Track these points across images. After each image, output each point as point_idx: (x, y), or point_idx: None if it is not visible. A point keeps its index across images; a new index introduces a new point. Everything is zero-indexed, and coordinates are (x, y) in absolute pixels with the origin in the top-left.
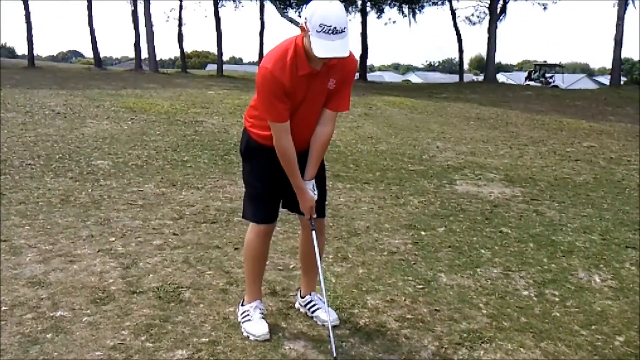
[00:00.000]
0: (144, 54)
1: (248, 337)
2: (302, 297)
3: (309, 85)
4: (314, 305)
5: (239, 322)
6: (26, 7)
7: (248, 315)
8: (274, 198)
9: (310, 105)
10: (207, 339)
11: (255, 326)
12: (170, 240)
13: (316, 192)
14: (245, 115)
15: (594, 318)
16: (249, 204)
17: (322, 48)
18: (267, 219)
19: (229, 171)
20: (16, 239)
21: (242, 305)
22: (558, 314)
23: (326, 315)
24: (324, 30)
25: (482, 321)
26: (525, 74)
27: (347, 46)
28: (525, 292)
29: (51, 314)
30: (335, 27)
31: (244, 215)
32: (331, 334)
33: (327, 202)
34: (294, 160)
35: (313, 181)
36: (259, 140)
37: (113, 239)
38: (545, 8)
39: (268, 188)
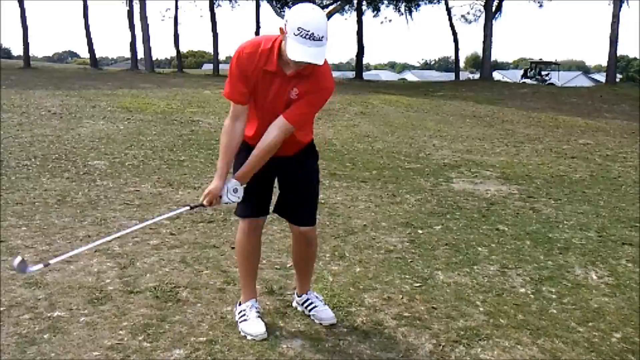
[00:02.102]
0: (140, 54)
1: (245, 336)
2: (298, 296)
3: (271, 85)
4: (311, 303)
5: (236, 322)
6: (22, 8)
7: (245, 315)
8: (257, 193)
9: (272, 106)
10: (204, 338)
11: (252, 326)
12: (167, 239)
13: (238, 197)
14: None
15: (591, 315)
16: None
17: (296, 51)
18: (249, 213)
19: None
20: (13, 239)
21: (239, 305)
22: (555, 311)
23: (324, 314)
24: (301, 34)
25: (479, 319)
26: (521, 71)
27: (323, 55)
28: (522, 290)
29: (48, 314)
30: (313, 33)
31: (235, 212)
32: None
33: (323, 201)
34: (229, 142)
35: (238, 183)
36: None
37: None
38: (540, 6)
39: (250, 182)
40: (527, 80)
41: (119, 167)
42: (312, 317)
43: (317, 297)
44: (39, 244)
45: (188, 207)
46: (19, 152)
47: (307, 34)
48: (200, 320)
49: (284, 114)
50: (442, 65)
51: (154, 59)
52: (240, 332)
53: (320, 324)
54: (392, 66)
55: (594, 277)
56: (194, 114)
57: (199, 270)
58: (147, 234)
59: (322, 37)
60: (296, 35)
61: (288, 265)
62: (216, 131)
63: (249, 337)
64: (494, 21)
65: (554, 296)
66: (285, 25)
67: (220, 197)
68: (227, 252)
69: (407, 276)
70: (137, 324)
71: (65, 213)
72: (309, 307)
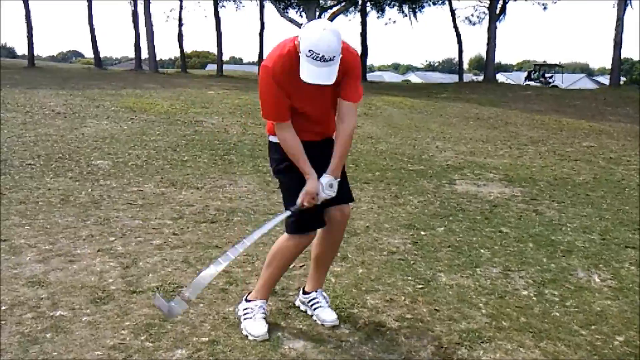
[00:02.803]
0: (144, 54)
1: (247, 336)
2: (305, 294)
3: (310, 85)
4: (317, 302)
5: (240, 318)
6: (26, 7)
7: (250, 312)
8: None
9: (322, 101)
10: (206, 339)
11: (255, 326)
12: (170, 239)
13: (334, 191)
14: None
15: (594, 318)
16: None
17: (308, 73)
18: (316, 225)
19: (229, 171)
20: (16, 238)
21: (247, 300)
22: (557, 314)
23: (327, 315)
24: (312, 56)
25: (481, 321)
26: (525, 74)
27: (334, 74)
28: (525, 292)
29: (51, 314)
30: (324, 56)
31: (298, 229)
32: None
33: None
34: (298, 146)
35: (333, 178)
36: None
37: (113, 238)
38: (545, 8)
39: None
40: (531, 83)
41: (122, 167)
42: (314, 317)
43: (325, 297)
44: (42, 243)
45: (289, 212)
46: (23, 152)
47: (318, 57)
48: (203, 320)
49: (347, 97)
50: (446, 66)
51: (158, 59)
52: (242, 330)
53: (322, 324)
54: (395, 67)
55: (597, 280)
56: (197, 114)
57: (202, 270)
58: (150, 234)
59: (333, 57)
60: (308, 56)
61: (291, 267)
62: (219, 131)
63: (250, 337)
64: (497, 23)
65: (556, 299)
66: (299, 42)
67: (317, 194)
68: None
69: (410, 278)
70: (140, 324)
71: (69, 212)
72: (314, 306)
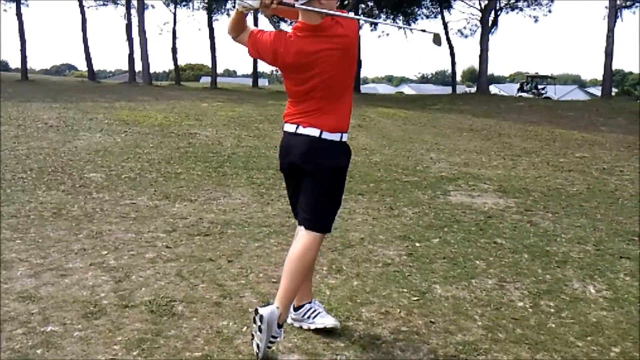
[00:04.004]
0: (138, 67)
1: (272, 342)
2: (297, 309)
3: None
4: (315, 311)
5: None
6: (20, 20)
7: (316, 310)
8: None
9: None
10: (200, 354)
11: (327, 318)
12: (163, 253)
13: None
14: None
15: (590, 329)
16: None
17: None
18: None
19: (223, 183)
20: (7, 252)
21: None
22: (553, 325)
23: (329, 319)
24: None
25: (477, 333)
26: (518, 85)
27: None
28: (520, 303)
29: (42, 329)
30: None
31: (324, 229)
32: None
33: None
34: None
35: None
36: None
37: (105, 252)
38: (536, 20)
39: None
40: (524, 94)
41: (115, 180)
42: (313, 327)
43: (319, 305)
44: (33, 257)
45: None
46: (15, 165)
47: None
48: (196, 335)
49: None
50: (439, 78)
51: (151, 72)
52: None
53: (323, 330)
54: (389, 79)
55: (592, 291)
56: (191, 127)
57: (195, 284)
58: (143, 247)
59: None
60: None
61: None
62: (213, 144)
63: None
64: (490, 35)
65: (552, 310)
66: None
67: None
68: (223, 265)
69: (405, 290)
70: (132, 339)
71: (61, 226)
72: (313, 315)
